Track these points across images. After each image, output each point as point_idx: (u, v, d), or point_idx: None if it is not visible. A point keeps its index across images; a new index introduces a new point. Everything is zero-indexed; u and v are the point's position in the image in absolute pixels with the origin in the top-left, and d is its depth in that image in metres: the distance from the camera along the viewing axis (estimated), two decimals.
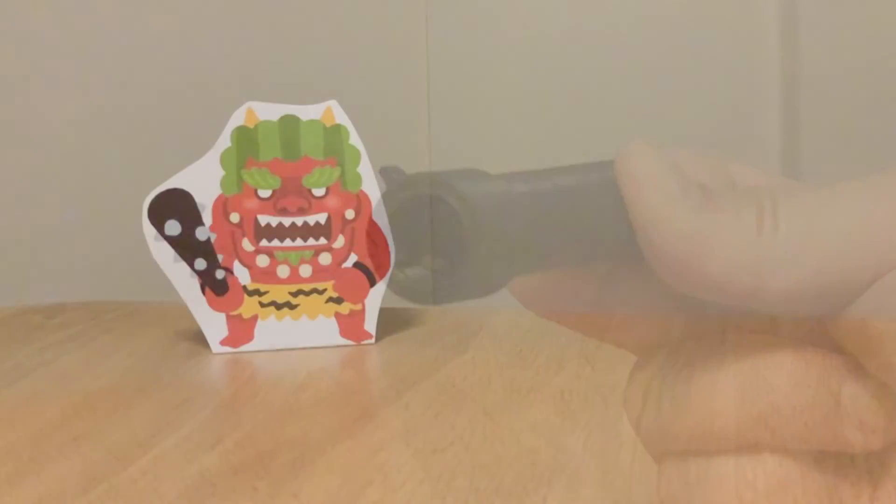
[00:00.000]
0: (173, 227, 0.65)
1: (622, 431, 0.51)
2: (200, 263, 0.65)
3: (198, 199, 0.65)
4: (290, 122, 0.65)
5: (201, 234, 0.65)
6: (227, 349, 0.66)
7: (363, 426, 0.53)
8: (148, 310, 0.77)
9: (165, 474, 0.48)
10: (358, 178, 0.66)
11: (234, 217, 0.65)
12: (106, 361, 0.65)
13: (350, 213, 0.66)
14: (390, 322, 0.71)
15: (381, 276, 0.67)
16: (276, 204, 0.65)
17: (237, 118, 0.65)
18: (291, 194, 0.66)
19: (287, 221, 0.66)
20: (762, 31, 0.98)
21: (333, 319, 0.67)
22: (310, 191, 0.66)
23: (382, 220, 0.74)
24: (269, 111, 0.65)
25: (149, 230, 0.65)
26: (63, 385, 0.61)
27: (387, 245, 0.70)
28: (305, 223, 0.66)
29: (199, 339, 0.67)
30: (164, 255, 0.65)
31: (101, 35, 1.04)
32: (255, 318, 0.67)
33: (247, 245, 0.66)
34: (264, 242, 0.66)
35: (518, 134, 1.04)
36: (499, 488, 0.46)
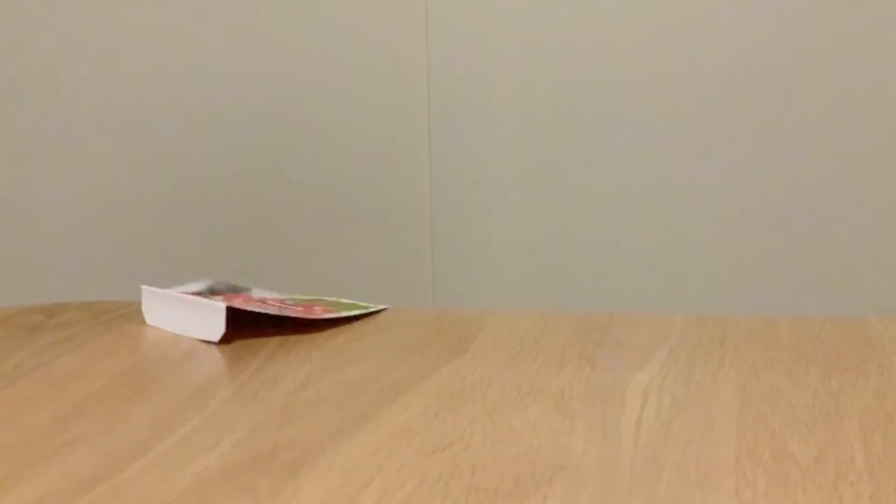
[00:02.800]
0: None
1: (622, 431, 0.51)
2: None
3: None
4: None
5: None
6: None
7: (363, 426, 0.53)
8: None
9: (165, 474, 0.48)
10: (342, 307, 0.74)
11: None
12: (106, 361, 0.65)
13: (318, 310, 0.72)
14: (391, 322, 0.71)
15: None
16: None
17: None
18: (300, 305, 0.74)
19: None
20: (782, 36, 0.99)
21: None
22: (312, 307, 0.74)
23: (333, 318, 0.78)
24: None
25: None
26: (63, 385, 0.61)
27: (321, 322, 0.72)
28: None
29: (199, 339, 0.67)
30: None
31: (99, 39, 1.04)
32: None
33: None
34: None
35: (518, 134, 1.04)
36: (499, 488, 0.46)
